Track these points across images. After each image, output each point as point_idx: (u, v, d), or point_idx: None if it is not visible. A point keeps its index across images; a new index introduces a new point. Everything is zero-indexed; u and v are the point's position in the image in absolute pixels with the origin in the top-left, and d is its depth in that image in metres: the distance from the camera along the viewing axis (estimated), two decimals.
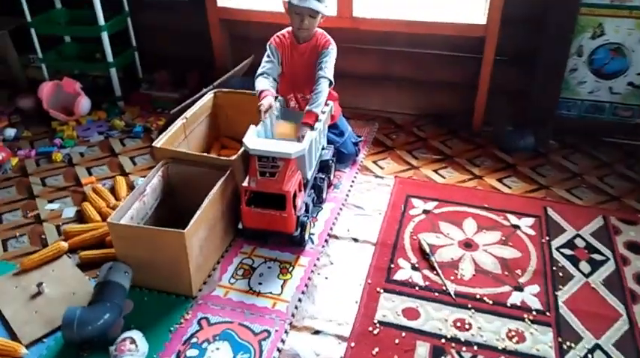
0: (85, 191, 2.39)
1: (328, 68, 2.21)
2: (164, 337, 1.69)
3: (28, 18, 2.89)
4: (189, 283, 1.81)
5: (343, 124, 2.46)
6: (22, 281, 1.92)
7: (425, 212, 2.19)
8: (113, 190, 2.38)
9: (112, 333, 1.69)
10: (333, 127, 2.39)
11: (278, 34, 2.28)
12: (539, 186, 2.34)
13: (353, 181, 2.40)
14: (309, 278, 1.89)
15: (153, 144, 2.09)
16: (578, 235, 2.04)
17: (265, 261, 1.97)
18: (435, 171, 2.46)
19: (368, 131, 2.79)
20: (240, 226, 1.97)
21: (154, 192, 1.99)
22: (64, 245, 2.04)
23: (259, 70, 2.27)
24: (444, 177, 2.42)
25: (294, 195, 1.88)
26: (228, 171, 1.97)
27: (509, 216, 2.15)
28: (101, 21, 2.77)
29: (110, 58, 2.89)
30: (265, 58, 2.27)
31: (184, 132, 2.30)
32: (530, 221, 2.12)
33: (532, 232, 2.06)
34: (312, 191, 2.13)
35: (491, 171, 2.45)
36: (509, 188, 2.33)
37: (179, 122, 2.27)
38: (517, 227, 2.09)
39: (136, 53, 3.16)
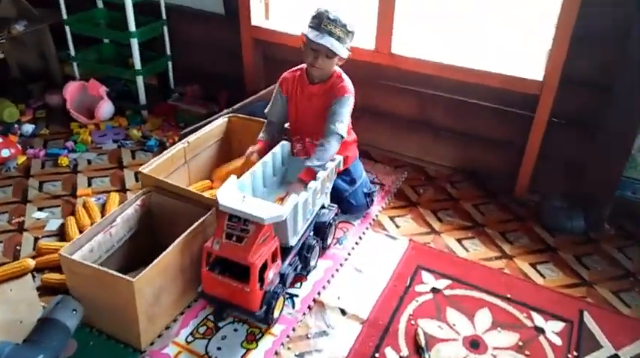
0: (77, 203, 2.25)
1: (340, 121, 1.91)
2: None
3: (64, 15, 2.83)
4: (138, 335, 1.59)
5: (357, 171, 2.17)
6: None
7: (433, 291, 1.85)
8: (104, 207, 2.22)
9: None
10: (344, 173, 2.11)
11: (291, 70, 2.05)
12: (581, 280, 1.94)
13: (360, 238, 2.11)
14: (275, 354, 1.62)
15: (140, 168, 1.91)
16: (616, 356, 1.63)
17: (234, 320, 1.72)
18: (459, 240, 2.12)
19: (393, 179, 2.48)
20: (199, 289, 1.71)
21: (127, 223, 1.79)
22: (31, 263, 1.88)
23: (266, 110, 2.10)
24: (467, 250, 2.06)
25: (264, 267, 1.61)
26: (208, 213, 1.75)
27: (534, 314, 1.77)
28: (132, 27, 2.65)
29: (138, 65, 2.77)
30: (272, 98, 2.08)
31: (184, 156, 2.11)
32: (560, 326, 1.73)
33: (558, 341, 1.68)
34: (297, 258, 1.85)
35: (525, 251, 2.07)
36: (543, 277, 1.94)
37: (179, 146, 2.08)
38: (541, 331, 1.71)
39: (169, 63, 3.04)
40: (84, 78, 2.97)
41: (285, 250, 1.77)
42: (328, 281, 1.89)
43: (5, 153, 2.49)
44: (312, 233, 1.92)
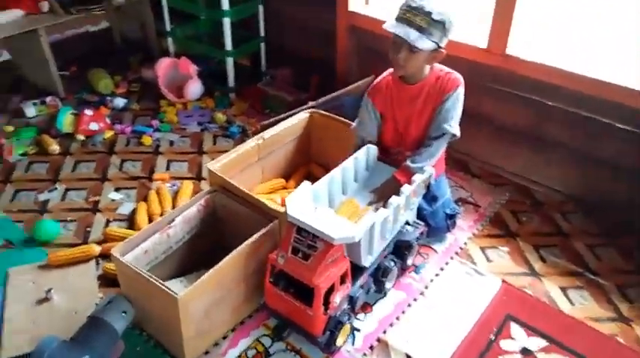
0: (152, 188, 2.20)
1: (454, 119, 1.71)
2: None
3: None
4: (182, 349, 1.48)
5: (440, 188, 1.87)
6: (41, 277, 1.77)
7: (523, 352, 1.54)
8: (177, 195, 2.14)
9: None
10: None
11: (380, 78, 1.80)
12: None
13: (442, 269, 1.83)
14: None
15: (208, 164, 1.77)
16: None
17: (286, 348, 1.55)
18: (564, 289, 1.76)
19: (491, 201, 2.15)
20: (262, 301, 1.56)
21: (187, 224, 1.68)
22: (96, 250, 1.85)
23: (353, 125, 1.90)
24: (573, 304, 1.71)
25: (330, 289, 1.41)
26: (270, 225, 1.58)
27: None
28: (225, 5, 2.52)
29: (229, 45, 2.65)
30: (360, 113, 1.86)
31: (258, 154, 1.95)
32: None
33: None
34: (371, 279, 1.63)
35: None
36: None
37: (252, 142, 1.92)
38: None
39: (262, 44, 2.89)
40: (180, 54, 2.92)
41: (357, 269, 1.56)
42: (397, 318, 1.65)
43: (94, 126, 2.51)
44: (390, 252, 1.69)
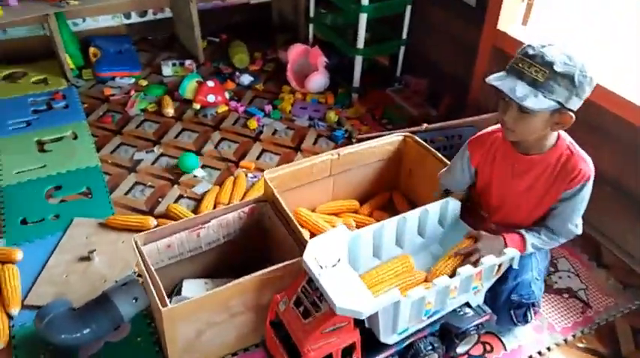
0: (234, 174, 2.14)
1: (579, 216, 1.38)
2: None
3: None
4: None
5: (525, 265, 1.46)
6: (95, 235, 1.82)
7: None
8: (252, 188, 2.05)
9: (83, 352, 1.45)
10: None
11: (492, 129, 1.43)
12: None
13: None
14: None
15: (265, 172, 1.62)
16: None
17: None
18: None
19: (610, 305, 1.65)
20: (261, 337, 1.37)
21: (224, 228, 1.55)
22: (152, 223, 1.84)
23: (440, 172, 1.61)
24: None
25: None
26: (297, 258, 1.37)
27: None
28: (364, 0, 2.30)
29: (360, 43, 2.43)
30: (453, 161, 1.55)
31: (330, 169, 1.74)
32: None
33: None
34: None
35: None
36: None
37: (325, 156, 1.71)
38: None
39: (402, 47, 2.61)
40: (317, 42, 2.80)
41: (379, 344, 1.29)
42: None
43: (211, 98, 2.53)
44: (433, 333, 1.37)
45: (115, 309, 1.45)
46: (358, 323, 1.22)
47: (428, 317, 1.31)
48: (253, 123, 2.43)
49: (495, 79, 1.23)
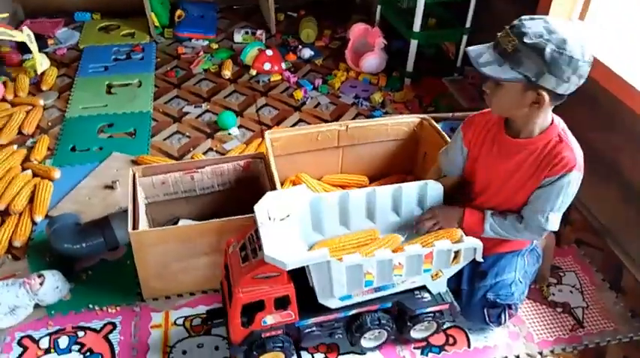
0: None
1: (554, 211, 1.26)
2: (66, 305, 1.53)
3: None
4: (140, 283, 1.51)
5: (499, 266, 1.40)
6: (124, 169, 2.00)
7: None
8: None
9: (80, 262, 1.64)
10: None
11: (487, 110, 1.35)
12: None
13: None
14: None
15: (267, 131, 1.67)
16: None
17: (225, 338, 1.43)
18: None
19: (608, 329, 1.50)
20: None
21: (219, 176, 1.65)
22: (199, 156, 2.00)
23: (440, 151, 1.55)
24: None
25: (260, 307, 1.22)
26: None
27: None
28: None
29: (416, 26, 2.38)
30: (451, 140, 1.50)
31: (337, 140, 1.76)
32: None
33: None
34: (343, 328, 1.35)
35: None
36: None
37: (334, 126, 1.73)
38: None
39: (465, 36, 2.51)
40: (382, 23, 2.78)
41: (321, 306, 1.31)
42: None
43: (267, 66, 2.64)
44: (387, 310, 1.36)
45: (111, 232, 1.61)
46: (297, 279, 1.24)
47: (375, 290, 1.30)
48: (299, 94, 2.50)
49: (472, 48, 1.19)
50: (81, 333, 1.45)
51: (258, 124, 2.33)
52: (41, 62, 2.50)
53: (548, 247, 1.57)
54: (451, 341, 1.45)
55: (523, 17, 1.15)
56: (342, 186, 1.85)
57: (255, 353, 1.30)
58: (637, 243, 1.65)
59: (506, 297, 1.40)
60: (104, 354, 1.40)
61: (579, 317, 1.53)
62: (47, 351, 1.40)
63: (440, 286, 1.36)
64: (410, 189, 1.42)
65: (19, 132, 2.19)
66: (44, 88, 2.47)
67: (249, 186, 1.68)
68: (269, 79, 2.63)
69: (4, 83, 2.42)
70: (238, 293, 1.20)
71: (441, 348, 1.43)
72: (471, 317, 1.45)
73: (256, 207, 1.26)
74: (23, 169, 1.99)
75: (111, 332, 1.45)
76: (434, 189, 1.43)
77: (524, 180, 1.28)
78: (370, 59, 2.61)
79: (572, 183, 1.22)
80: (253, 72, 2.65)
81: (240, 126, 2.31)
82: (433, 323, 1.40)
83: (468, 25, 2.47)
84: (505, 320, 1.44)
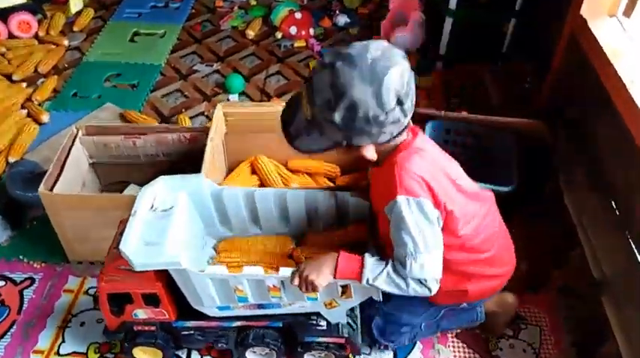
0: None
1: (406, 248, 0.99)
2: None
3: None
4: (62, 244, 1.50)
5: (414, 306, 1.20)
6: (112, 122, 1.99)
7: None
8: None
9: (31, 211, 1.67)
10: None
11: None
12: None
13: None
14: None
15: (221, 103, 1.54)
16: None
17: None
18: None
19: None
20: None
21: (164, 146, 1.57)
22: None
23: None
24: None
25: (127, 299, 1.15)
26: None
27: None
28: None
29: (452, 3, 2.06)
30: None
31: None
32: None
33: None
34: (223, 338, 1.24)
35: None
36: None
37: None
38: None
39: (512, 20, 2.12)
40: None
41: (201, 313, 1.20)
42: None
43: (293, 30, 2.47)
44: (277, 330, 1.22)
45: None
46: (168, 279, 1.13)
47: (258, 307, 1.16)
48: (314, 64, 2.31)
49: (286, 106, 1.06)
50: (1, 283, 1.48)
51: (260, 93, 2.19)
52: (75, 3, 2.55)
53: (509, 304, 1.31)
54: None
55: (315, 68, 0.97)
56: (309, 174, 1.69)
57: (127, 344, 1.23)
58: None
59: (388, 336, 1.25)
60: (12, 308, 1.42)
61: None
62: None
63: (338, 316, 1.19)
64: (326, 196, 1.23)
65: (35, 71, 2.27)
66: (75, 28, 2.52)
67: (195, 161, 1.58)
68: (292, 45, 2.46)
69: (40, 21, 2.50)
70: (101, 281, 1.13)
71: None
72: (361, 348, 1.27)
73: (141, 193, 1.16)
74: (22, 108, 2.06)
75: (27, 287, 1.47)
76: (356, 206, 1.23)
77: (377, 210, 1.10)
78: (401, 34, 2.32)
79: (403, 211, 0.97)
80: (279, 35, 2.49)
81: (241, 93, 2.19)
82: (330, 355, 1.24)
83: (517, 8, 2.09)
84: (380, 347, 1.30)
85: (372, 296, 1.09)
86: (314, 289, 1.03)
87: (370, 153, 1.01)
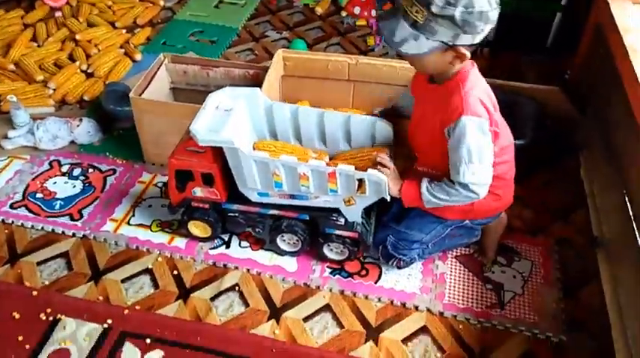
0: None
1: (465, 163, 1.20)
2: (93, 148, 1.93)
3: None
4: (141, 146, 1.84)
5: (424, 224, 1.42)
6: None
7: None
8: None
9: (119, 123, 2.02)
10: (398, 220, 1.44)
11: None
12: None
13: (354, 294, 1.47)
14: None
15: (281, 50, 1.83)
16: None
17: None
18: None
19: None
20: None
21: (230, 79, 1.87)
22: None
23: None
24: None
25: (189, 177, 1.45)
26: None
27: None
28: None
29: None
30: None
31: (347, 73, 1.83)
32: None
33: None
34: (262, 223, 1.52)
35: None
36: None
37: (342, 58, 1.81)
38: None
39: (558, 14, 2.30)
40: None
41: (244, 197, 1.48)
42: (248, 271, 1.51)
43: (356, 10, 2.75)
44: (306, 222, 1.49)
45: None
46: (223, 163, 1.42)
47: (290, 197, 1.42)
48: (371, 41, 2.57)
49: (382, 17, 1.20)
50: (91, 170, 1.83)
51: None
52: None
53: (496, 223, 1.51)
54: (363, 272, 1.52)
55: None
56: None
57: (185, 217, 1.54)
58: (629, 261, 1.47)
59: (401, 250, 1.45)
60: (97, 188, 1.77)
61: (504, 299, 1.46)
62: (64, 174, 1.82)
63: (354, 215, 1.43)
64: (358, 122, 1.49)
65: (134, 22, 2.67)
66: None
67: None
68: (354, 22, 2.74)
69: None
70: (171, 158, 1.44)
71: (350, 275, 1.51)
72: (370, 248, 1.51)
73: (210, 95, 1.46)
74: (121, 47, 2.46)
75: (110, 175, 1.82)
76: (383, 129, 1.47)
77: (431, 128, 1.26)
78: None
79: (467, 129, 1.17)
80: (344, 13, 2.78)
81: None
82: (345, 249, 1.48)
83: (563, 2, 2.27)
84: (394, 265, 1.49)
85: (383, 195, 1.33)
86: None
87: (463, 57, 1.15)
